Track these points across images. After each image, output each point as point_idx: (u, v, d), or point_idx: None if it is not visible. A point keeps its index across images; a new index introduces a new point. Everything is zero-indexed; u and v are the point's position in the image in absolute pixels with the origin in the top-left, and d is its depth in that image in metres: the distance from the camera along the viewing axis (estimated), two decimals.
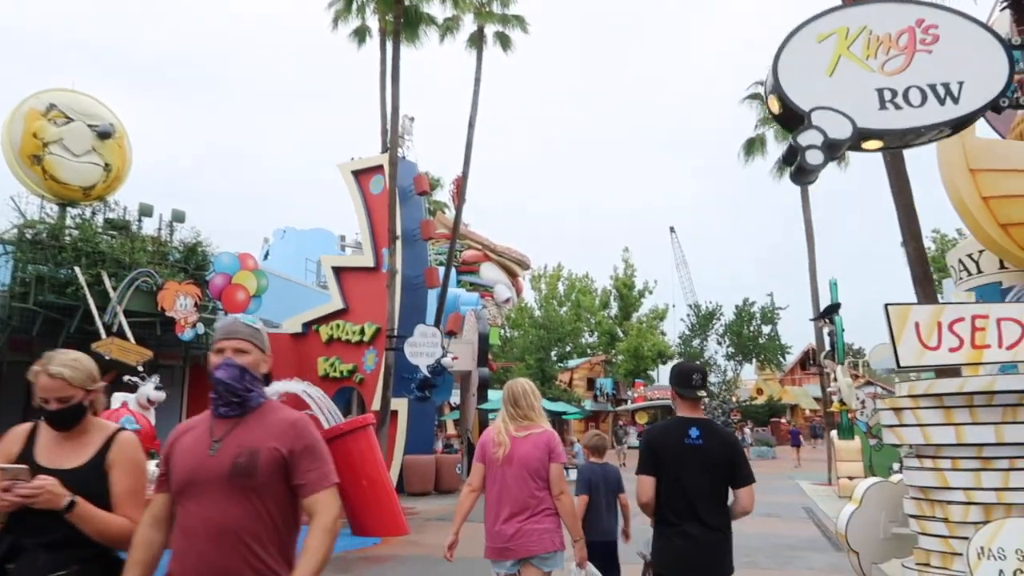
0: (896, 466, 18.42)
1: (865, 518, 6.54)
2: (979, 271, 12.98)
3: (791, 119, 5.93)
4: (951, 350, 6.16)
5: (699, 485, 3.94)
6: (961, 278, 13.38)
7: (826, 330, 16.86)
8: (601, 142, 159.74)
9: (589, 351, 55.86)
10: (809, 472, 25.48)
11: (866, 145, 5.95)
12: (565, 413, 27.93)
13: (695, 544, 3.87)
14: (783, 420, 47.64)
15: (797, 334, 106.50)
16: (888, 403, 6.16)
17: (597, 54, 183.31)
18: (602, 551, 5.63)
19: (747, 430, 36.40)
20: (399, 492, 15.12)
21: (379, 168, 18.76)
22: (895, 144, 6.13)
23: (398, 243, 16.83)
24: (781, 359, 51.25)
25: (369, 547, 10.06)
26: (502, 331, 50.71)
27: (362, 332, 18.24)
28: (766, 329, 47.01)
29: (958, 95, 5.81)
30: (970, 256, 13.12)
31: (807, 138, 5.68)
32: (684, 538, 3.90)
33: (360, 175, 19.60)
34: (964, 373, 6.16)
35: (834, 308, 16.61)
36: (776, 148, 21.49)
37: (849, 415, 16.84)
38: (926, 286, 9.57)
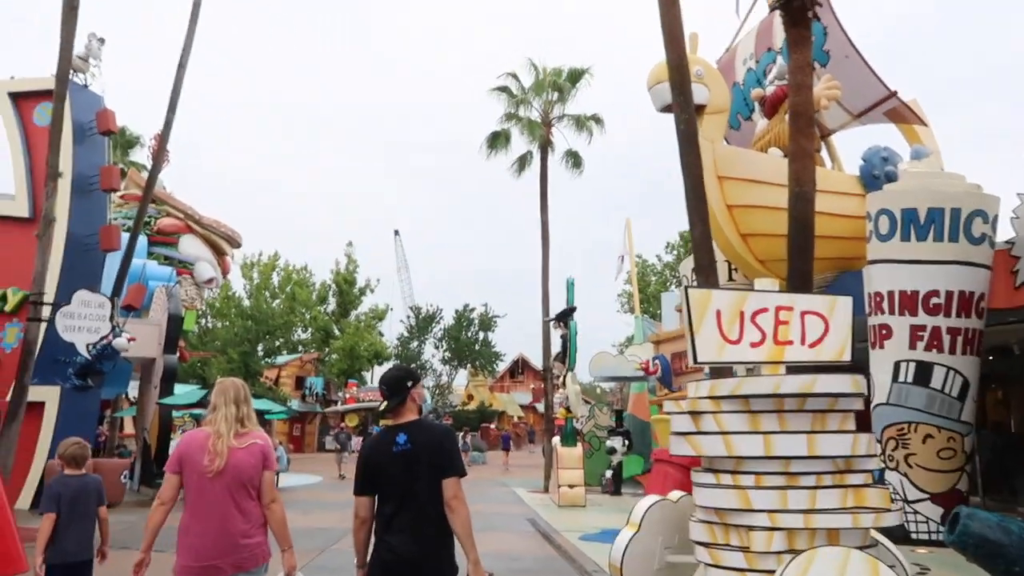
0: (608, 473, 18.64)
1: (643, 546, 5.36)
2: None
3: None
4: (753, 345, 5.20)
5: (410, 493, 3.73)
6: (692, 286, 13.48)
7: (559, 333, 16.46)
8: (338, 136, 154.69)
9: (301, 348, 52.40)
10: (523, 478, 25.41)
11: None
12: (269, 412, 25.08)
13: (400, 558, 3.66)
14: (492, 426, 48.53)
15: (512, 342, 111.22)
16: (686, 406, 5.02)
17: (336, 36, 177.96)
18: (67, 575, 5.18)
19: (468, 437, 36.55)
20: (35, 510, 11.52)
21: (49, 94, 14.70)
22: None
23: (63, 185, 13.14)
24: (494, 366, 52.42)
25: None
26: (202, 318, 45.40)
27: (3, 299, 14.07)
28: (485, 336, 47.74)
29: None
30: None
31: None
32: (391, 552, 3.68)
33: (21, 99, 15.31)
34: (763, 372, 5.20)
35: (570, 311, 16.28)
36: (520, 144, 21.20)
37: (576, 422, 16.58)
38: (710, 275, 8.95)
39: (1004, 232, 9.65)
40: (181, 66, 17.28)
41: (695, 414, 4.94)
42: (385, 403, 3.96)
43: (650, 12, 10.11)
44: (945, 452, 9.76)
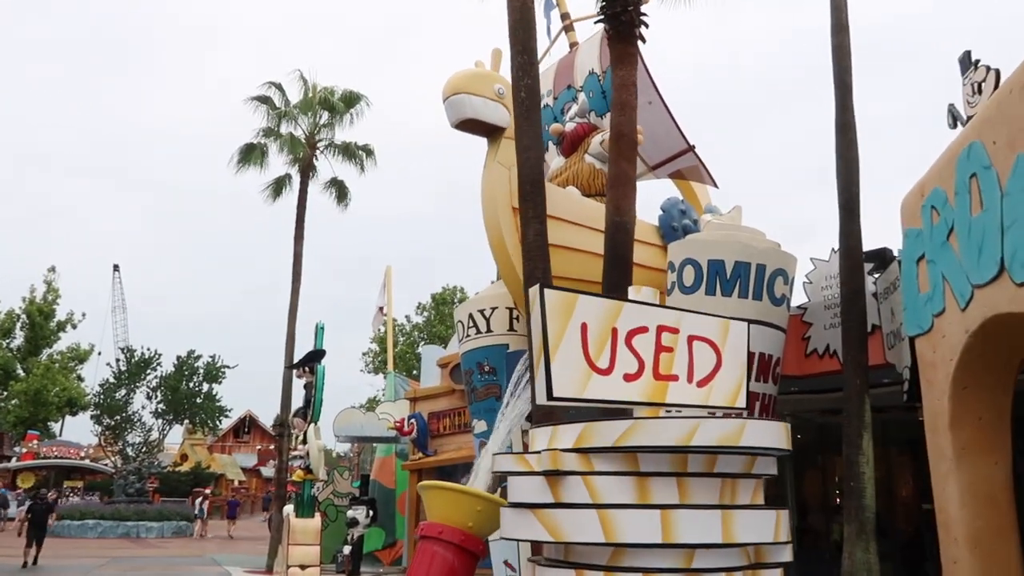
0: (346, 550, 16.07)
1: None
2: (488, 330, 11.70)
3: None
4: (627, 378, 3.63)
5: None
6: (468, 335, 11.95)
7: (302, 381, 13.98)
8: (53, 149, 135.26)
9: None
10: (244, 553, 21.74)
11: None
12: None
13: None
14: (208, 490, 42.76)
15: (241, 397, 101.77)
16: (540, 462, 3.26)
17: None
18: None
19: (205, 503, 32.23)
20: None
21: None
22: None
23: None
24: (217, 422, 46.83)
25: None
26: None
27: None
28: (210, 388, 42.36)
29: None
30: (481, 312, 11.81)
31: None
32: None
33: None
34: (636, 415, 3.65)
35: (317, 355, 13.91)
36: (278, 165, 18.58)
37: (314, 486, 14.00)
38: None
39: (796, 296, 9.40)
40: None
41: (553, 475, 3.20)
42: None
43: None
44: None
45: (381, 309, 26.66)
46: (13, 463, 42.30)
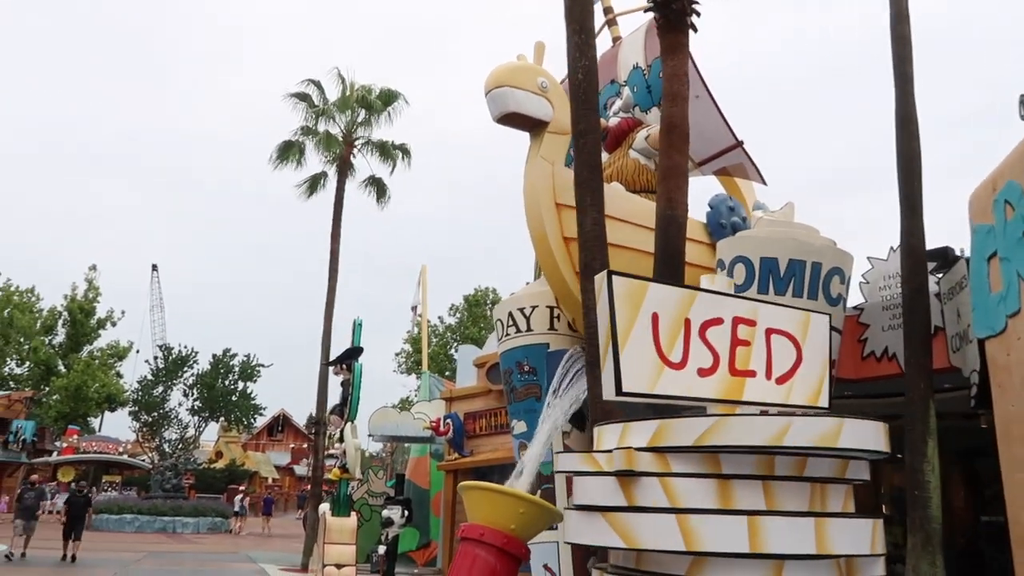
0: (381, 549, 15.95)
1: None
2: (529, 328, 11.47)
3: None
4: (701, 373, 3.39)
5: None
6: (508, 334, 11.74)
7: (339, 379, 13.89)
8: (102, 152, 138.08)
9: (12, 384, 43.65)
10: (278, 551, 21.81)
11: None
12: None
13: None
14: (241, 487, 43.13)
15: (275, 397, 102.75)
16: (611, 461, 3.03)
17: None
18: None
19: (245, 500, 33.11)
20: None
21: None
22: None
23: None
24: (252, 421, 47.23)
25: None
26: None
27: None
28: (244, 386, 42.71)
29: None
30: (521, 311, 11.58)
31: None
32: None
33: None
34: (709, 412, 3.40)
35: (355, 352, 13.80)
36: (315, 162, 18.58)
37: (350, 485, 13.90)
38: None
39: (852, 297, 9.03)
40: None
41: (626, 476, 2.96)
42: None
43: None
44: None
45: (415, 309, 26.60)
46: (54, 457, 43.10)
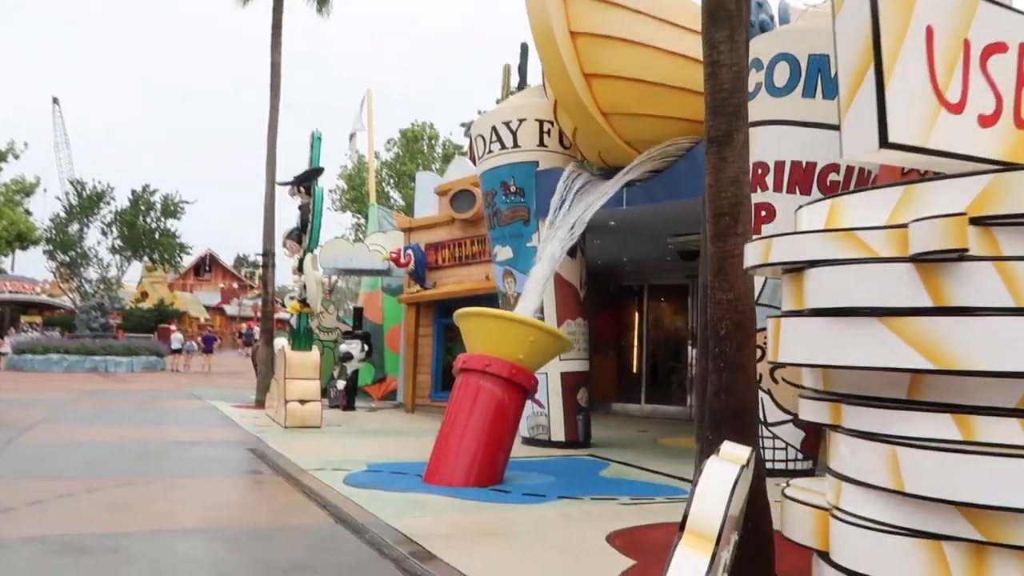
0: (340, 384, 15.22)
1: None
2: (516, 145, 10.20)
3: None
4: (982, 121, 2.31)
5: None
6: (491, 151, 10.44)
7: (297, 201, 12.41)
8: None
9: None
10: (221, 388, 20.97)
11: None
12: None
13: None
14: (172, 327, 41.70)
15: (200, 235, 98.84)
16: (892, 241, 1.96)
17: None
18: None
19: (180, 336, 32.32)
20: None
21: None
22: None
23: None
24: (178, 260, 45.09)
25: None
26: None
27: None
28: (168, 224, 40.27)
29: None
30: (507, 124, 10.25)
31: None
32: None
33: None
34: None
35: (315, 173, 12.30)
36: None
37: (311, 319, 12.82)
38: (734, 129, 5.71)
39: None
40: None
41: (935, 261, 1.92)
42: None
43: None
44: None
45: (353, 136, 24.46)
46: None
